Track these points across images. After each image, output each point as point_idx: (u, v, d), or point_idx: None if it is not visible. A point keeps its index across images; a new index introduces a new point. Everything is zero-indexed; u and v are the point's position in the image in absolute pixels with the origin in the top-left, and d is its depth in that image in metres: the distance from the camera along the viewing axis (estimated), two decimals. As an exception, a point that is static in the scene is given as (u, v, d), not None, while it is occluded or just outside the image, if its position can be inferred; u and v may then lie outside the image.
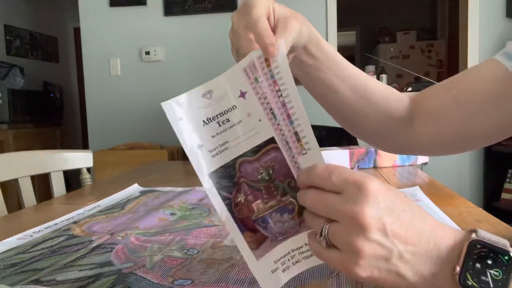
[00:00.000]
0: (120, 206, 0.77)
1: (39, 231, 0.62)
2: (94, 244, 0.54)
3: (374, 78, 0.54)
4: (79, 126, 4.92)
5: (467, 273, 0.27)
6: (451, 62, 4.46)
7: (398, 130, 0.54)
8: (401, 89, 2.93)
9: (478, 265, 0.27)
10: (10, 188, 2.82)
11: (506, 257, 0.27)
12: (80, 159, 1.22)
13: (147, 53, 2.92)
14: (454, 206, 0.73)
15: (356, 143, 2.53)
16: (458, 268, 0.27)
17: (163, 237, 0.56)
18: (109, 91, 3.01)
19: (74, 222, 0.66)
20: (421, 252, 0.29)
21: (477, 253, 0.27)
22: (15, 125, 3.43)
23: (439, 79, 4.28)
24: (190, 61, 2.91)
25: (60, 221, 0.67)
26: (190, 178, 1.10)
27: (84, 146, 4.54)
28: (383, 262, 0.29)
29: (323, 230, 0.31)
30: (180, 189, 0.90)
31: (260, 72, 0.36)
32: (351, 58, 5.78)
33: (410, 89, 2.76)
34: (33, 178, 1.08)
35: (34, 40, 4.32)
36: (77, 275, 0.44)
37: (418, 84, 2.77)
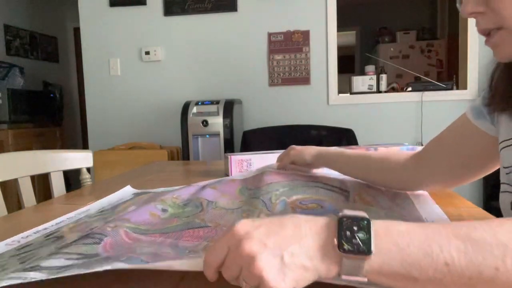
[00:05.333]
0: (110, 210, 0.75)
1: (27, 236, 0.61)
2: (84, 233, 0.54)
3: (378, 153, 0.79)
4: (79, 126, 4.92)
5: (342, 241, 0.34)
6: (451, 62, 4.46)
7: (402, 178, 0.75)
8: (401, 89, 2.92)
9: (348, 233, 0.35)
10: (10, 188, 2.82)
11: (365, 222, 0.35)
12: (80, 159, 1.22)
13: (147, 53, 2.92)
14: (454, 205, 0.73)
15: (356, 143, 2.53)
16: (335, 240, 0.35)
17: (153, 238, 0.55)
18: (109, 91, 3.01)
19: (63, 226, 0.65)
20: (302, 245, 0.35)
21: (346, 224, 0.35)
22: (15, 125, 3.43)
23: (439, 79, 4.28)
24: (190, 61, 2.91)
25: (50, 225, 0.67)
26: (190, 178, 1.10)
27: (84, 146, 4.54)
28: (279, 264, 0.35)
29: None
30: (175, 187, 0.89)
31: None
32: (351, 58, 5.80)
33: (410, 88, 2.76)
34: (33, 178, 1.08)
35: (34, 40, 4.32)
36: (64, 263, 0.44)
37: (417, 84, 2.76)
